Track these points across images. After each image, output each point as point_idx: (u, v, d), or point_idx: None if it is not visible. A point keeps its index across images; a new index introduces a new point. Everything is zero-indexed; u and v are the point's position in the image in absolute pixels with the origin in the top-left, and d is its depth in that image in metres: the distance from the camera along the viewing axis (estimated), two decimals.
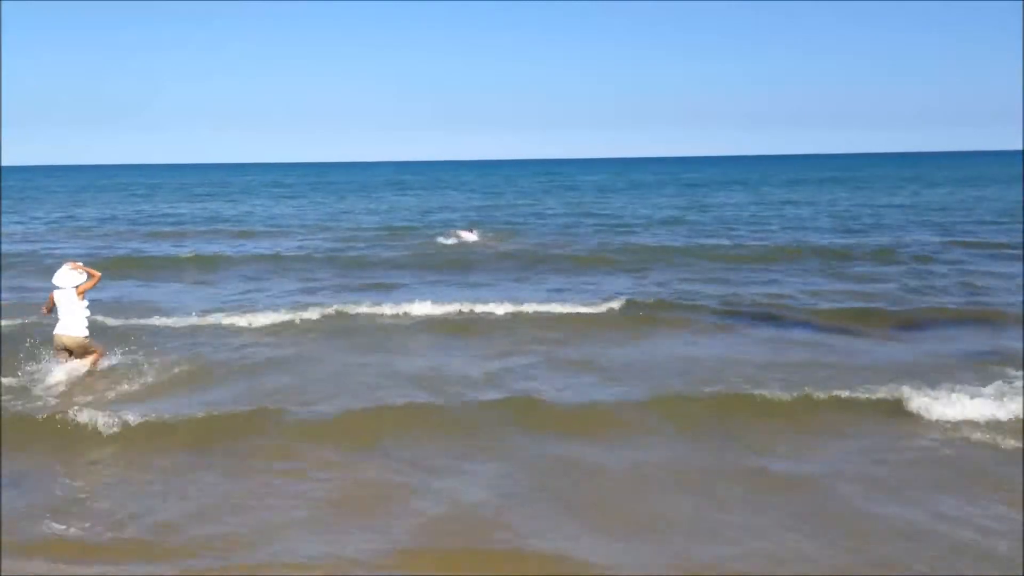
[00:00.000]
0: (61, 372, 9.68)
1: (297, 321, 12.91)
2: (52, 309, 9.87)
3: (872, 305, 13.89)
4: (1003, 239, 22.85)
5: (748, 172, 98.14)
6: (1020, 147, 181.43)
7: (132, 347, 10.66)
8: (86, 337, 9.86)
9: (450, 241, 24.37)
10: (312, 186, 75.45)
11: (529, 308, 13.67)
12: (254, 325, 12.72)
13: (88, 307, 9.94)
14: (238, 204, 47.79)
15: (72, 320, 9.76)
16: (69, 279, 9.80)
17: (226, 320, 12.94)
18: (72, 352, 9.81)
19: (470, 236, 24.70)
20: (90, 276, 10.00)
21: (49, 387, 9.39)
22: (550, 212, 37.43)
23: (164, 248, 24.45)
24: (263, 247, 24.28)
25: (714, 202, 42.96)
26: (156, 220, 35.92)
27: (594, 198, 48.44)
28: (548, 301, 14.42)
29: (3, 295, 15.56)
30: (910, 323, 12.55)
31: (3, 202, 48.17)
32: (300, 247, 24.14)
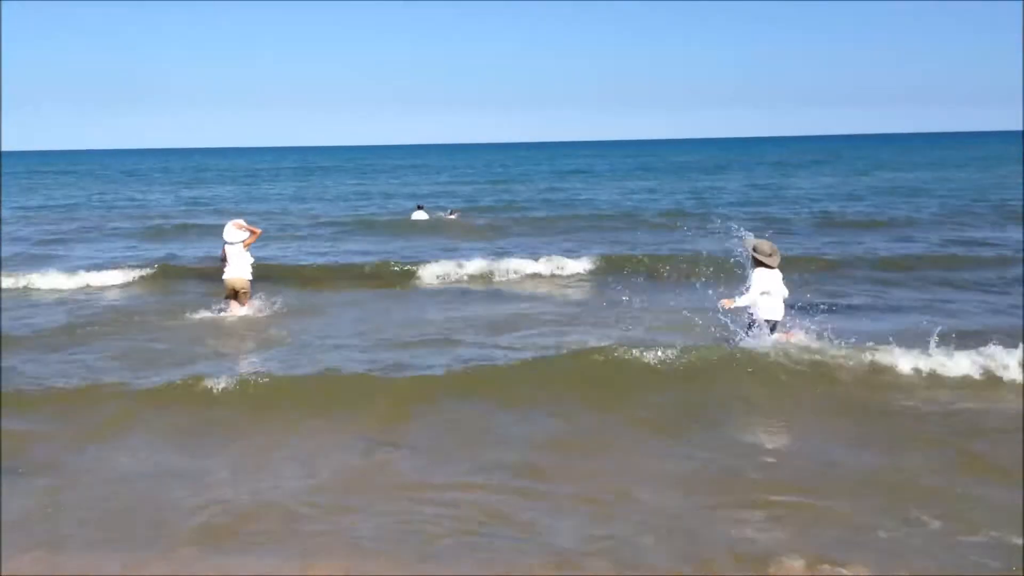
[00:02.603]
0: (234, 309, 12.41)
1: None
2: (225, 259, 12.49)
3: None
4: None
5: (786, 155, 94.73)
6: (1020, 127, 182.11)
7: None
8: (249, 280, 12.50)
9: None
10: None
11: None
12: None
13: (252, 257, 12.55)
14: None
15: (239, 267, 12.39)
16: (236, 235, 12.40)
17: None
18: (236, 292, 12.44)
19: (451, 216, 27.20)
20: (251, 233, 12.59)
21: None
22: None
23: None
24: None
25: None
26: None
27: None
28: None
29: None
30: None
31: None
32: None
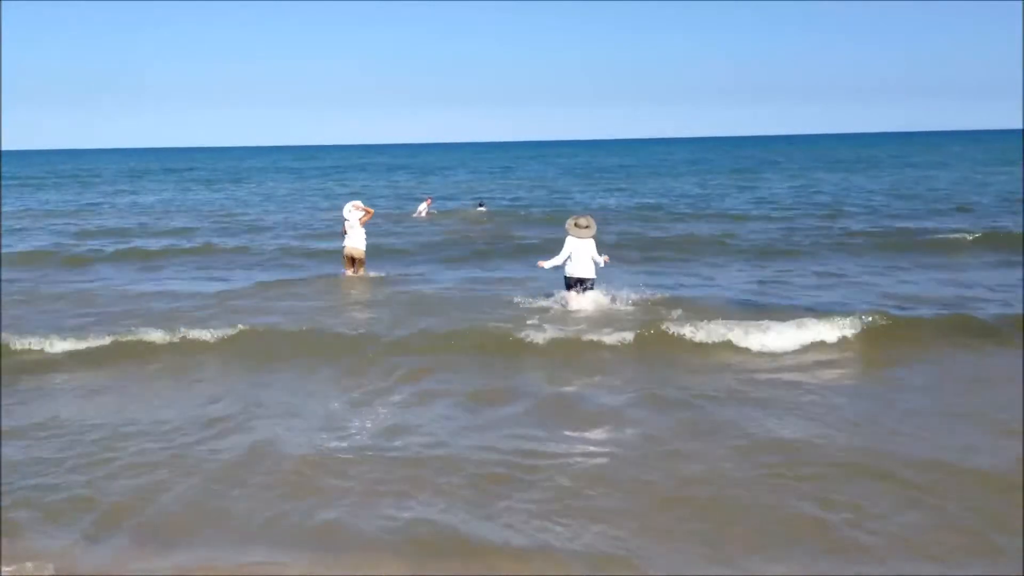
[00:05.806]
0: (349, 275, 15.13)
1: None
2: (345, 232, 15.20)
3: None
4: None
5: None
6: (1020, 126, 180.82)
7: None
8: (363, 251, 15.26)
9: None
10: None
11: None
12: None
13: (366, 231, 15.30)
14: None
15: (356, 239, 15.13)
16: (354, 214, 15.13)
17: None
18: (354, 260, 15.21)
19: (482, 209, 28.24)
20: (366, 212, 15.34)
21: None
22: None
23: None
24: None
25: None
26: None
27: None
28: None
29: None
30: None
31: None
32: None
